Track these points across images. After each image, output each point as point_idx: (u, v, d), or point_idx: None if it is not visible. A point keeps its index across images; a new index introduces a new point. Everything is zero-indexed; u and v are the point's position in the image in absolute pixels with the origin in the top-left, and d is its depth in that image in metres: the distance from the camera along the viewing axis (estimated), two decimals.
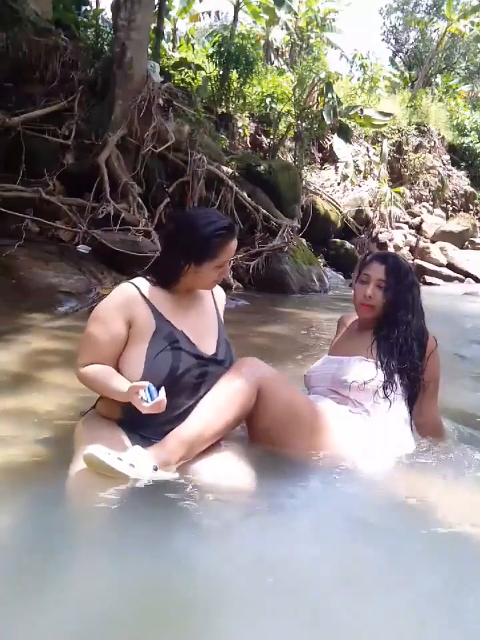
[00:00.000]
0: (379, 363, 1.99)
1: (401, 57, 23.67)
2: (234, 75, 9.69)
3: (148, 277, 1.86)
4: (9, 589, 1.24)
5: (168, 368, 1.73)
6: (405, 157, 14.42)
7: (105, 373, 1.74)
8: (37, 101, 6.54)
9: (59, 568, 1.31)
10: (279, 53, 16.10)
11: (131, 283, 1.83)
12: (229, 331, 2.04)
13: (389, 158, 13.71)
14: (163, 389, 1.64)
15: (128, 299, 1.78)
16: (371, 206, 11.84)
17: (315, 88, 9.93)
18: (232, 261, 6.87)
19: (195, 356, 1.79)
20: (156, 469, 1.61)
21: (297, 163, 10.12)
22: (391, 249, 11.37)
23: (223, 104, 9.92)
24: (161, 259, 1.89)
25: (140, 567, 1.32)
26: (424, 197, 14.65)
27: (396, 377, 1.99)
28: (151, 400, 1.60)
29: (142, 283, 1.83)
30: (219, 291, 2.04)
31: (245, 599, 1.25)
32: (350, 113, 10.89)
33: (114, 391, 1.69)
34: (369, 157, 13.44)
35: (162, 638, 1.15)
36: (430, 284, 10.77)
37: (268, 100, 10.18)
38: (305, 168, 10.68)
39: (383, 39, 24.23)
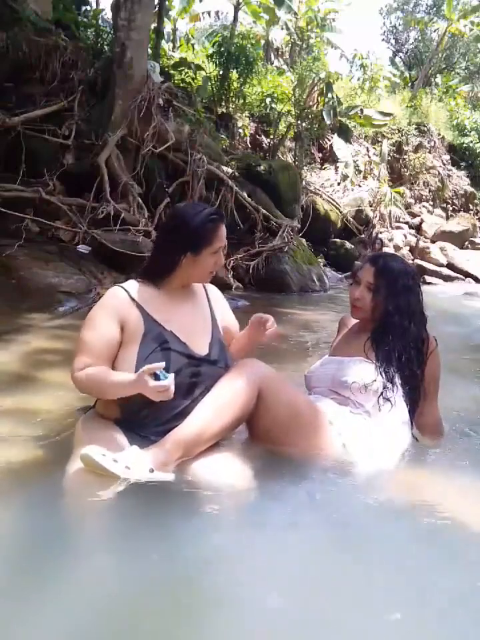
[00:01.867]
0: (378, 365, 1.98)
1: (401, 57, 23.65)
2: (234, 74, 9.67)
3: (139, 279, 1.87)
4: (8, 588, 1.24)
5: None
6: (405, 157, 14.39)
7: (101, 372, 1.72)
8: (37, 101, 6.52)
9: (57, 567, 1.31)
10: (279, 52, 16.08)
11: (120, 286, 1.85)
12: None
13: (389, 158, 13.69)
14: (172, 375, 1.62)
15: (118, 302, 1.79)
16: (371, 206, 11.82)
17: (315, 88, 9.91)
18: (232, 261, 6.91)
19: (187, 356, 1.79)
20: (152, 471, 1.61)
21: (296, 162, 10.11)
22: (390, 249, 11.38)
23: (223, 104, 9.90)
24: (157, 254, 1.90)
25: (138, 566, 1.32)
26: (424, 197, 14.63)
27: (396, 379, 1.98)
28: (163, 379, 1.58)
29: (131, 285, 1.84)
30: (213, 290, 2.04)
31: (245, 597, 1.25)
32: (350, 113, 10.87)
33: (116, 384, 1.67)
34: (369, 157, 13.42)
35: (161, 636, 1.15)
36: (430, 284, 10.77)
37: (268, 100, 10.16)
38: (305, 168, 10.67)
39: (383, 39, 24.21)
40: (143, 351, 1.74)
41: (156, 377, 1.60)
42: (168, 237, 1.86)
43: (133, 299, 1.80)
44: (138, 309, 1.79)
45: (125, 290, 1.82)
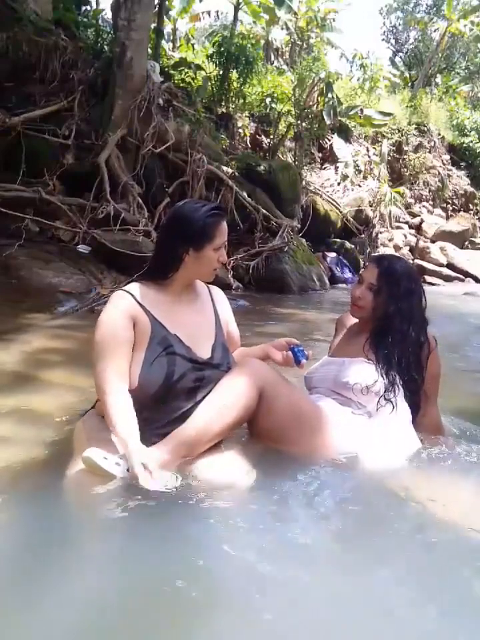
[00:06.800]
0: (378, 367, 1.98)
1: (401, 57, 23.63)
2: (234, 74, 9.66)
3: (141, 281, 1.85)
4: (8, 587, 1.24)
5: (163, 374, 1.72)
6: (405, 156, 14.38)
7: (123, 410, 1.66)
8: (37, 101, 6.54)
9: (58, 567, 1.31)
10: (279, 53, 16.07)
11: (124, 290, 1.81)
12: None
13: (389, 158, 13.67)
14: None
15: (127, 305, 1.76)
16: (371, 206, 11.82)
17: (315, 88, 9.91)
18: (232, 261, 6.91)
19: (190, 360, 1.78)
20: None
21: (297, 163, 10.10)
22: (390, 249, 11.39)
23: (223, 104, 9.89)
24: (158, 253, 1.87)
25: (139, 565, 1.32)
26: (424, 197, 14.62)
27: (397, 380, 1.98)
28: (302, 357, 1.88)
29: (134, 288, 1.82)
30: (217, 293, 2.03)
31: (245, 597, 1.25)
32: (350, 113, 10.86)
33: (114, 425, 1.65)
34: (369, 156, 13.40)
35: (162, 636, 1.15)
36: (430, 284, 10.77)
37: (268, 100, 10.15)
38: (305, 168, 10.66)
39: (383, 39, 24.18)
40: (149, 355, 1.73)
41: (294, 355, 1.87)
42: (169, 234, 1.84)
43: (139, 303, 1.77)
44: (145, 313, 1.77)
45: (130, 294, 1.79)
